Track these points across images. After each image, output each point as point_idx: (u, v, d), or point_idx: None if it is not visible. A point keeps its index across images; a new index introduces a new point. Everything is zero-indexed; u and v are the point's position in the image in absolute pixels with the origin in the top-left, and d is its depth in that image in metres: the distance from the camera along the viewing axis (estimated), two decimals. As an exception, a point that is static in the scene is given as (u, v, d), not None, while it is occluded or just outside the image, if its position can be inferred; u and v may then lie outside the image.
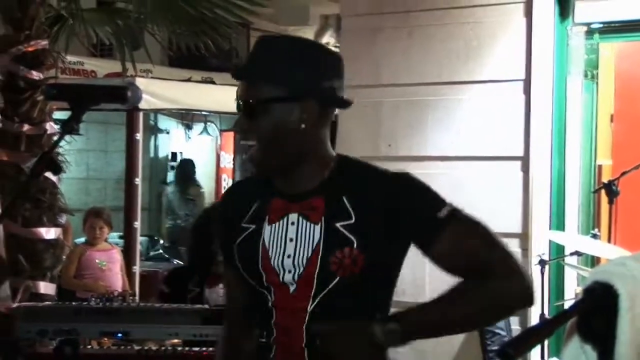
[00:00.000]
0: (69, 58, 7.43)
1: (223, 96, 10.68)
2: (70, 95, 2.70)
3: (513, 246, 6.04)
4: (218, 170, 13.85)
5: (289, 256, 2.53)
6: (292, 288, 2.53)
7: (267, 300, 2.56)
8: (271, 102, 2.52)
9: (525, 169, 6.05)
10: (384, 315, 2.60)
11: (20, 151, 5.98)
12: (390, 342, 2.57)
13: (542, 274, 5.62)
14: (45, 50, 6.09)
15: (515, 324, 5.94)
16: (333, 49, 2.71)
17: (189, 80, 10.83)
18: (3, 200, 5.50)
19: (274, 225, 2.57)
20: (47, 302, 5.29)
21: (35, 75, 5.98)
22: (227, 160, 13.62)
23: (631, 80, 6.97)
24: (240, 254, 2.61)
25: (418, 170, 6.41)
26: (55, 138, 6.08)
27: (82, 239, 8.04)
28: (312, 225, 2.53)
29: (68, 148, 5.19)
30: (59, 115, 6.27)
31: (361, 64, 6.58)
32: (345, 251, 2.49)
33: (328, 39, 15.62)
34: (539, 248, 5.96)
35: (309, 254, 2.51)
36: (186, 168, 13.26)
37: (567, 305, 5.80)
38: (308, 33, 15.45)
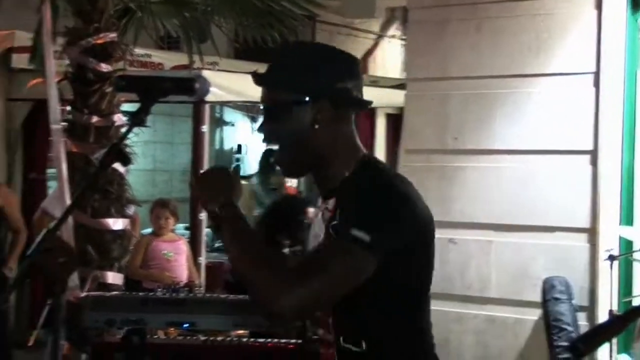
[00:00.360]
0: (137, 50, 7.47)
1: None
2: (139, 87, 2.71)
3: (581, 241, 5.97)
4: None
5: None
6: None
7: None
8: (286, 106, 2.64)
9: (594, 163, 5.98)
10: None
11: (89, 142, 6.03)
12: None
13: (611, 269, 5.54)
14: (113, 42, 6.14)
15: (582, 320, 5.88)
16: (350, 54, 2.75)
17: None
18: (72, 191, 5.56)
19: (315, 221, 2.75)
20: (115, 292, 5.34)
21: (104, 67, 6.03)
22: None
23: None
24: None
25: (484, 164, 6.43)
26: (123, 130, 6.14)
27: (149, 230, 8.10)
28: (323, 224, 2.66)
29: (135, 140, 5.22)
30: (126, 107, 6.32)
31: (428, 57, 6.55)
32: None
33: (394, 32, 15.59)
34: (608, 243, 5.88)
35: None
36: (268, 158, 13.31)
37: (636, 301, 5.71)
38: (374, 25, 15.45)
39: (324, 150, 2.66)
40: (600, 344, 3.67)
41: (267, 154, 13.02)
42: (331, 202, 2.65)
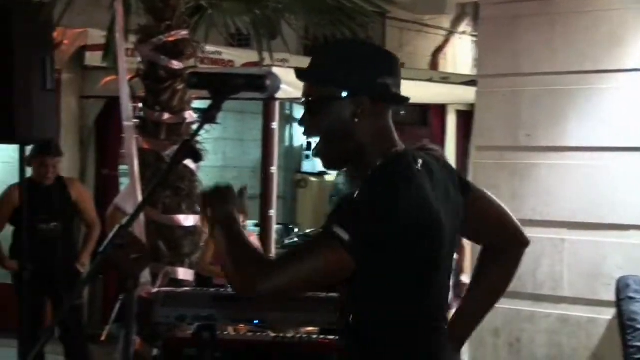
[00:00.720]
0: (208, 48, 7.51)
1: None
2: (211, 84, 2.74)
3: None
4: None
5: None
6: None
7: None
8: (327, 100, 2.76)
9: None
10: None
11: (160, 139, 6.08)
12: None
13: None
14: (185, 40, 6.17)
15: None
16: (389, 51, 2.87)
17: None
18: (144, 188, 5.61)
19: None
20: (186, 288, 5.37)
21: (176, 64, 6.07)
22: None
23: None
24: None
25: (556, 161, 6.35)
26: (194, 127, 6.17)
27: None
28: None
29: (206, 137, 5.25)
30: (197, 104, 6.36)
31: (499, 53, 6.50)
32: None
33: (464, 28, 15.48)
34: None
35: None
36: None
37: None
38: (444, 22, 15.36)
39: (362, 144, 2.75)
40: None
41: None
42: None
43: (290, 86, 8.44)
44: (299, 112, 14.31)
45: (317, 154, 2.82)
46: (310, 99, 2.79)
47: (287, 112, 13.70)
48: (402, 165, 2.70)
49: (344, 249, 2.57)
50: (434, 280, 2.75)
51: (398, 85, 2.82)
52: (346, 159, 2.82)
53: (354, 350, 2.76)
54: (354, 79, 2.73)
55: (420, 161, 2.74)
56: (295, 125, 14.53)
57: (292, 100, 10.80)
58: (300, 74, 2.82)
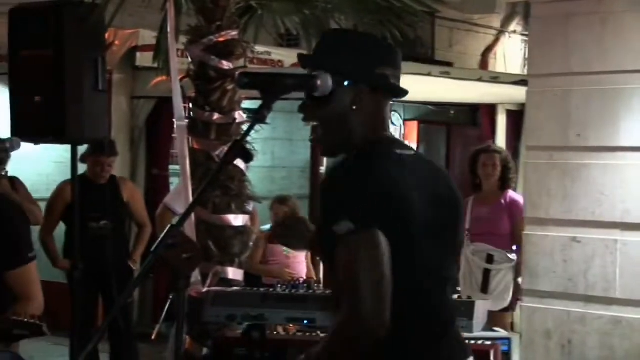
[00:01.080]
0: (257, 48, 7.53)
1: (407, 85, 10.65)
2: (262, 84, 2.75)
3: None
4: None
5: None
6: None
7: None
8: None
9: None
10: None
11: (210, 139, 6.10)
12: None
13: None
14: (235, 40, 6.19)
15: None
16: (390, 44, 2.97)
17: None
18: (194, 187, 5.64)
19: None
20: (235, 288, 5.39)
21: (225, 65, 6.09)
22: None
23: None
24: None
25: (608, 161, 6.28)
26: (243, 127, 6.19)
27: (268, 226, 8.16)
28: None
29: (255, 137, 5.27)
30: (247, 104, 6.38)
31: (550, 52, 6.44)
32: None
33: (515, 27, 15.38)
34: None
35: None
36: None
37: None
38: (494, 21, 15.27)
39: (359, 132, 2.83)
40: None
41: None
42: None
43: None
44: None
45: (316, 139, 2.91)
46: None
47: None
48: (377, 148, 2.80)
49: (360, 232, 2.60)
50: (410, 261, 2.71)
51: (398, 77, 2.89)
52: (342, 146, 2.88)
53: None
54: (355, 67, 2.80)
55: (397, 150, 2.83)
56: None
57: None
58: (304, 60, 2.91)
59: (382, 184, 2.67)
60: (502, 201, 7.40)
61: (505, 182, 7.46)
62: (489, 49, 15.36)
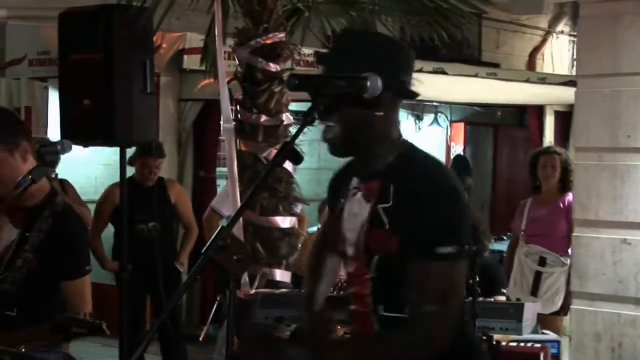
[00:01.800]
0: (304, 50, 7.55)
1: (454, 87, 10.63)
2: (311, 86, 2.76)
3: None
4: (448, 161, 13.81)
5: (349, 230, 2.92)
6: (353, 259, 2.91)
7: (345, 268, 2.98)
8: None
9: None
10: None
11: (257, 141, 6.13)
12: None
13: None
14: (282, 42, 6.21)
15: None
16: (406, 46, 2.95)
17: (420, 70, 10.80)
18: (242, 189, 5.66)
19: (350, 200, 2.95)
20: (283, 290, 5.40)
21: (273, 67, 6.12)
22: (458, 151, 13.54)
23: None
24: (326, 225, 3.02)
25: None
26: (291, 129, 6.21)
27: (315, 228, 8.17)
28: (366, 204, 2.87)
29: (301, 139, 5.28)
30: (294, 106, 6.39)
31: (599, 53, 6.39)
32: (379, 232, 2.80)
33: (562, 27, 15.28)
34: None
35: (359, 230, 2.86)
36: (462, 162, 13.31)
37: None
38: (542, 21, 15.18)
39: (378, 135, 2.88)
40: None
41: (458, 158, 13.00)
42: (372, 185, 2.86)
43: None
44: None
45: (329, 139, 2.91)
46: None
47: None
48: (433, 159, 2.92)
49: (456, 261, 2.76)
50: None
51: (411, 80, 2.95)
52: (360, 148, 2.91)
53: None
54: (384, 76, 2.78)
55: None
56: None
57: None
58: (335, 64, 2.87)
59: (467, 206, 2.87)
60: (561, 204, 7.35)
61: (565, 184, 7.40)
62: (536, 49, 15.27)
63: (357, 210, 2.90)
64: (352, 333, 2.98)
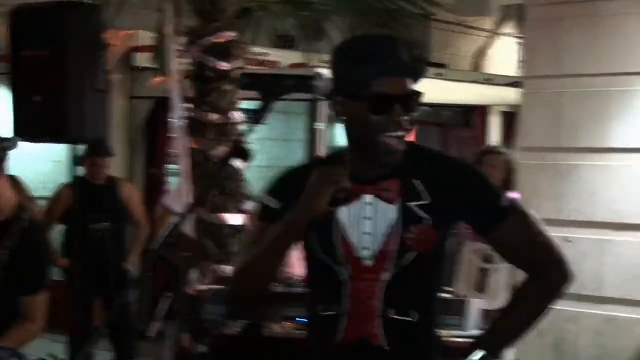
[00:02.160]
0: (255, 49, 7.60)
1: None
2: (262, 85, 2.80)
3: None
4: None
5: (366, 233, 2.79)
6: (368, 262, 2.80)
7: (341, 275, 2.82)
8: (416, 94, 2.83)
9: None
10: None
11: (208, 139, 6.17)
12: None
13: None
14: (233, 41, 6.26)
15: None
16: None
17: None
18: (193, 187, 5.70)
19: (354, 205, 2.80)
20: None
21: (224, 66, 6.16)
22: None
23: None
24: (316, 233, 2.82)
25: (599, 162, 6.35)
26: (241, 127, 6.26)
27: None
28: (388, 205, 2.79)
29: (252, 137, 5.33)
30: (244, 105, 6.44)
31: (544, 54, 6.53)
32: (421, 228, 2.77)
33: (508, 29, 15.46)
34: None
35: (388, 231, 2.78)
36: None
37: None
38: (487, 23, 15.35)
39: (378, 137, 2.82)
40: None
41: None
42: (389, 185, 2.80)
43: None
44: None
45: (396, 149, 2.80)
46: (411, 95, 2.82)
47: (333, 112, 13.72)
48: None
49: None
50: None
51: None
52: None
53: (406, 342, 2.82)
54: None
55: None
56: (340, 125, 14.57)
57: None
58: (407, 70, 2.80)
59: None
60: (505, 203, 7.44)
61: (508, 184, 7.52)
62: (482, 51, 15.44)
63: (370, 214, 2.81)
64: (349, 337, 2.84)
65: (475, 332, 5.33)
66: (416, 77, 2.81)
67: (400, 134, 2.80)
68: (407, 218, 2.78)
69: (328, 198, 2.67)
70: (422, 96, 2.83)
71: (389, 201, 2.79)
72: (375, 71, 2.74)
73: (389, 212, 2.79)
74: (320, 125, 8.76)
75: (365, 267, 2.80)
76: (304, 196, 2.70)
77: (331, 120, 13.83)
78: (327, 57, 9.14)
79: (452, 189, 2.81)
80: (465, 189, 2.83)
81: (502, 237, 2.84)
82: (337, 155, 2.93)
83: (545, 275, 2.88)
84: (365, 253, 2.80)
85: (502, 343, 2.93)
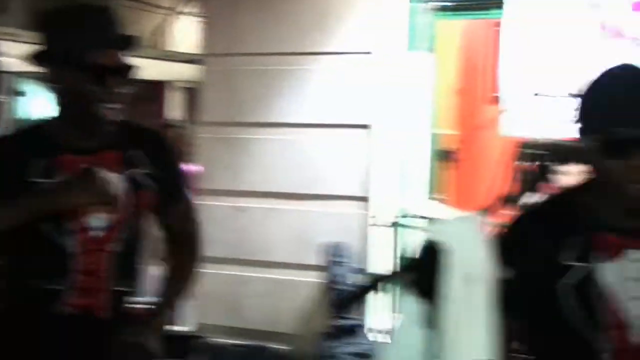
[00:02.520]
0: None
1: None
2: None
3: (357, 209, 6.35)
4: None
5: None
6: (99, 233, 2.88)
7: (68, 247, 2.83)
8: None
9: (370, 136, 6.35)
10: None
11: None
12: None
13: (395, 236, 6.09)
14: None
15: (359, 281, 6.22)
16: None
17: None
18: None
19: None
20: None
21: None
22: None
23: (473, 56, 7.22)
24: None
25: (270, 136, 6.69)
26: None
27: None
28: (113, 174, 2.82)
29: None
30: None
31: (222, 33, 6.79)
32: (146, 194, 2.94)
33: (187, 8, 15.63)
34: (382, 211, 6.29)
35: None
36: None
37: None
38: (166, 1, 15.46)
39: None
40: (358, 301, 4.15)
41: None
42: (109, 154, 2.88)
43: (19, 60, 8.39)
44: (26, 85, 14.04)
45: None
46: (125, 67, 2.89)
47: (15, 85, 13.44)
48: None
49: None
50: None
51: None
52: None
53: None
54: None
55: None
56: (22, 98, 14.27)
57: (19, 74, 10.68)
58: (124, 43, 2.85)
59: None
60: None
61: (183, 157, 7.70)
62: (159, 28, 15.53)
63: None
64: (76, 310, 2.82)
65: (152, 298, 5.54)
66: (128, 50, 2.83)
67: (115, 105, 2.78)
68: (132, 186, 2.82)
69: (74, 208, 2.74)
70: (135, 69, 2.85)
71: (111, 170, 2.77)
72: (90, 41, 2.71)
73: (116, 180, 2.77)
74: (2, 98, 8.61)
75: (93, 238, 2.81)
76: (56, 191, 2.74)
77: (13, 93, 13.51)
78: (8, 30, 8.94)
79: (158, 161, 2.94)
80: (165, 165, 2.98)
81: (169, 218, 3.07)
82: (39, 125, 2.90)
83: (187, 256, 3.22)
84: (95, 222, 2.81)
85: (168, 307, 3.20)
